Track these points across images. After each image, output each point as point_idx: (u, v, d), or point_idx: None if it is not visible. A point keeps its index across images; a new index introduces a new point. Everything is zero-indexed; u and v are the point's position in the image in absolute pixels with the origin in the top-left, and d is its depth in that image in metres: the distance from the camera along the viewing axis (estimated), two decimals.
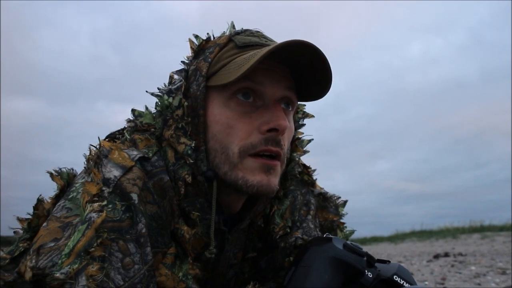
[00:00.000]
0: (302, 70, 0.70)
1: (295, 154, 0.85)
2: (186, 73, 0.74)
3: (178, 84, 0.74)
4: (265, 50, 0.63)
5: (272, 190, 0.69)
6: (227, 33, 0.77)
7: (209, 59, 0.72)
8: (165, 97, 0.73)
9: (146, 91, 0.76)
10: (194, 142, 0.69)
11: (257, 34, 0.75)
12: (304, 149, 0.87)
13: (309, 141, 0.88)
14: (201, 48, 0.76)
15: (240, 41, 0.71)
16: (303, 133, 0.87)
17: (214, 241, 0.71)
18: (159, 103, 0.73)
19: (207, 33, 0.78)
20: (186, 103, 0.71)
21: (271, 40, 0.75)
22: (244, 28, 0.77)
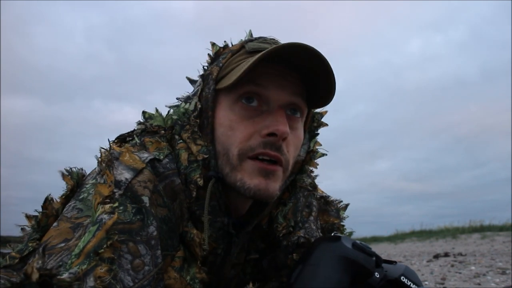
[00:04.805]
0: (311, 77, 0.70)
1: (307, 167, 0.85)
2: (203, 78, 0.76)
3: (195, 90, 0.76)
4: (263, 52, 0.64)
5: (270, 195, 0.69)
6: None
7: (221, 64, 0.74)
8: (182, 104, 0.76)
9: (166, 106, 0.78)
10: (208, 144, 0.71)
11: (271, 41, 0.75)
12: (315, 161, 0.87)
13: (322, 154, 0.87)
14: (218, 54, 0.78)
15: (250, 47, 0.73)
16: (321, 145, 0.87)
17: (207, 241, 0.68)
18: (176, 112, 0.75)
19: (224, 41, 0.80)
20: (199, 106, 0.73)
21: None
22: (259, 36, 0.78)
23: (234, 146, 0.68)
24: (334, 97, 0.71)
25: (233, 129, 0.69)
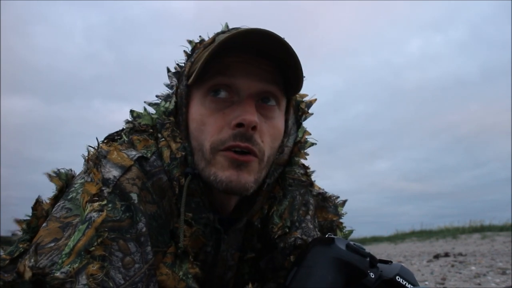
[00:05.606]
0: (284, 65, 0.68)
1: (297, 159, 0.83)
2: (178, 75, 0.76)
3: (174, 88, 0.75)
4: (220, 41, 0.63)
5: (243, 187, 0.66)
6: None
7: (193, 59, 0.73)
8: (162, 103, 0.75)
9: (144, 102, 0.77)
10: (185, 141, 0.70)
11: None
12: (304, 151, 0.85)
13: (312, 144, 0.85)
14: (194, 50, 0.77)
15: (220, 38, 0.68)
16: (310, 134, 0.85)
17: (181, 238, 0.67)
18: (157, 111, 0.75)
19: (200, 36, 0.79)
20: (175, 103, 0.72)
21: None
22: (234, 27, 0.75)
23: (207, 140, 0.67)
24: (304, 82, 0.69)
25: (204, 123, 0.68)
